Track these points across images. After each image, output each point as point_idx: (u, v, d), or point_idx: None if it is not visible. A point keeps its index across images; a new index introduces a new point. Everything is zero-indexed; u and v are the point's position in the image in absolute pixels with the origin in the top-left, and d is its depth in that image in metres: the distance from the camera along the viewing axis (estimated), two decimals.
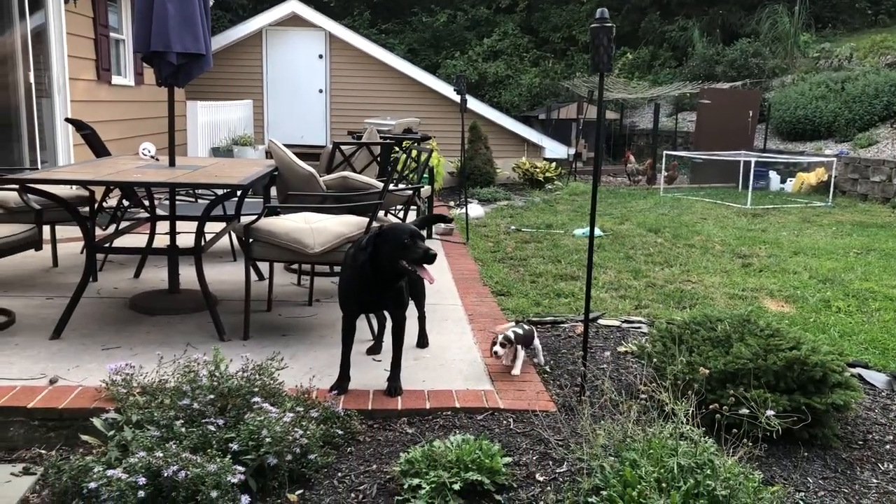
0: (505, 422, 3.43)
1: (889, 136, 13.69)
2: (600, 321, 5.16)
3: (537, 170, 13.25)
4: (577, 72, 20.43)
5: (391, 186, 5.63)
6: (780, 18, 19.07)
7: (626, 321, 5.21)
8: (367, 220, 4.56)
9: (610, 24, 3.27)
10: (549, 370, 4.17)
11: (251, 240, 4.37)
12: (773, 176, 13.82)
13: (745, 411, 2.91)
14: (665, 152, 14.04)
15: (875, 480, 3.01)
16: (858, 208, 11.68)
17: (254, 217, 4.49)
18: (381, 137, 7.46)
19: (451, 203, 11.21)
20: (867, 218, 10.62)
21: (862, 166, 12.80)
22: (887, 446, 3.33)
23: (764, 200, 12.14)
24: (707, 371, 2.69)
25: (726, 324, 3.68)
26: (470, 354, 4.27)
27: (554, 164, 13.60)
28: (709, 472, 2.51)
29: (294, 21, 14.06)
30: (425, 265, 3.39)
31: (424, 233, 7.78)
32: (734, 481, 2.51)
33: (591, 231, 3.76)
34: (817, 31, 19.80)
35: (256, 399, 2.98)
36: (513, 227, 9.09)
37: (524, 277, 6.44)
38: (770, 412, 2.59)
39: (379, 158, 6.58)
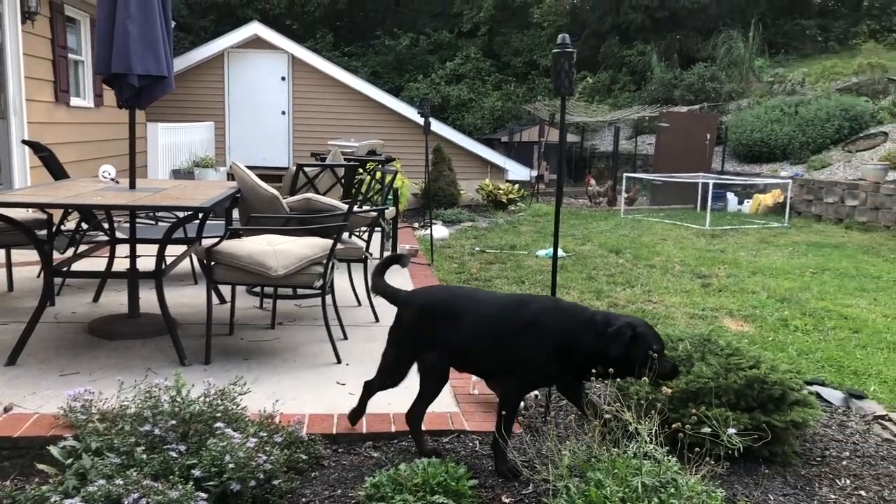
0: (471, 444, 3.43)
1: (841, 158, 14.08)
2: None
3: (500, 191, 13.35)
4: (539, 95, 20.67)
5: (355, 208, 5.63)
6: (735, 44, 19.55)
7: None
8: (331, 241, 4.54)
9: (571, 50, 3.33)
10: None
11: (213, 262, 4.32)
12: (731, 197, 14.10)
13: (707, 430, 2.95)
14: (625, 174, 14.26)
15: (833, 496, 3.07)
16: (813, 228, 11.96)
17: (216, 240, 4.45)
18: (344, 159, 7.46)
19: (416, 224, 11.22)
20: (822, 238, 10.88)
21: (816, 188, 13.13)
22: (844, 462, 3.40)
23: (722, 221, 12.37)
24: (669, 390, 2.73)
25: (687, 343, 3.73)
26: None
27: (517, 186, 13.72)
28: (672, 490, 2.54)
29: (256, 43, 14.04)
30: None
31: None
32: (697, 499, 2.54)
33: (555, 251, 3.80)
34: (771, 57, 20.33)
35: (219, 424, 2.94)
36: (477, 248, 9.13)
37: None
38: (731, 430, 2.63)
39: (343, 180, 6.57)
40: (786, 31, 21.94)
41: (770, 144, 15.16)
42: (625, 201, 13.94)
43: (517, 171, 14.72)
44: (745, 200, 13.99)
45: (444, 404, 3.83)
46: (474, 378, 4.00)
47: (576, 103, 19.20)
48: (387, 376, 3.38)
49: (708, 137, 15.11)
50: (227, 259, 4.30)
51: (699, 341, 3.75)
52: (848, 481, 3.20)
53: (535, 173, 15.02)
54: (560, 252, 8.91)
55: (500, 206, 13.26)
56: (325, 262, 4.46)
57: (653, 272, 7.96)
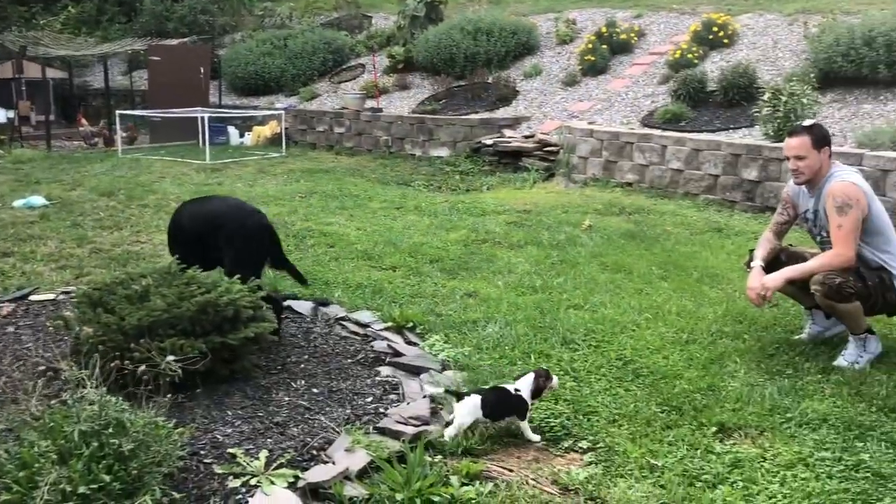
0: None
1: (328, 89, 15.17)
2: (32, 297, 4.73)
3: None
4: (13, 26, 18.16)
5: None
6: None
7: (63, 293, 4.86)
8: None
9: None
10: None
11: None
12: (233, 131, 14.26)
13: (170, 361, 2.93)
14: (119, 112, 13.41)
15: (287, 398, 3.32)
16: (308, 156, 12.75)
17: None
18: None
19: None
20: (315, 165, 11.66)
21: (308, 118, 13.98)
22: (302, 365, 3.71)
23: (224, 155, 12.45)
24: (90, 331, 2.62)
25: (150, 279, 3.65)
26: None
27: None
28: (112, 430, 2.47)
29: None
30: None
31: None
32: (141, 433, 2.52)
33: None
34: None
35: None
36: None
37: None
38: (170, 358, 2.65)
39: None
40: None
41: (265, 77, 15.61)
42: (123, 141, 13.16)
43: None
44: (247, 133, 14.27)
45: None
46: None
47: (58, 35, 17.39)
48: None
49: (202, 71, 14.93)
50: None
51: (162, 275, 3.70)
52: (303, 381, 3.51)
53: (11, 115, 13.26)
54: (43, 200, 8.09)
55: None
56: None
57: (145, 212, 7.68)
